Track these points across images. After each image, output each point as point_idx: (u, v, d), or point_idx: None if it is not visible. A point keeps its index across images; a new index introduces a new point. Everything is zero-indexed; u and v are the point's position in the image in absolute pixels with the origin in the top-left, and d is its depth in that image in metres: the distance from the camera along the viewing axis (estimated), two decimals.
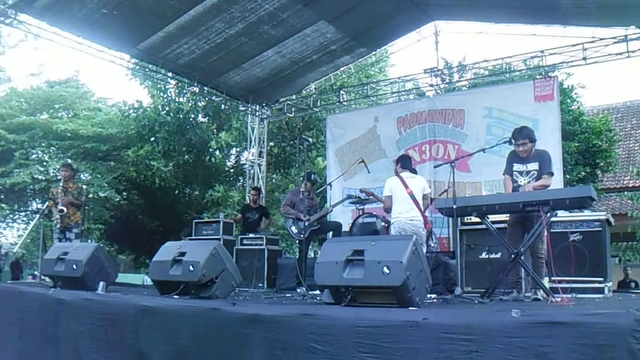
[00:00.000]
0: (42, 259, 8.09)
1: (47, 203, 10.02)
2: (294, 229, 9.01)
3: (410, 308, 4.42)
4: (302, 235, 8.84)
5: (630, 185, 19.57)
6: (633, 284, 15.57)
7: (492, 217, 6.58)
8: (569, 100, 16.15)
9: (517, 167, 6.42)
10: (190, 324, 4.80)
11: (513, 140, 6.44)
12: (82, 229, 9.56)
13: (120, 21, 10.30)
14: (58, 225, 9.60)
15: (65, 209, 9.45)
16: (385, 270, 4.48)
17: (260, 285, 9.87)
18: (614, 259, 15.92)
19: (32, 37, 10.62)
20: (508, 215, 6.45)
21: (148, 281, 15.54)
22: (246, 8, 10.47)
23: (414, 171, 7.95)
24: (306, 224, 8.71)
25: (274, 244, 10.67)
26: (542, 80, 10.86)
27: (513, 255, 5.81)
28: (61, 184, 9.85)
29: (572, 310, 4.38)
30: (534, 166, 6.30)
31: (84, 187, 10.07)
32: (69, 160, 16.83)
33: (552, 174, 6.32)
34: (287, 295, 7.54)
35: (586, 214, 7.19)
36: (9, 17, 9.73)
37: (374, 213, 9.10)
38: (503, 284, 6.16)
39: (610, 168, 17.79)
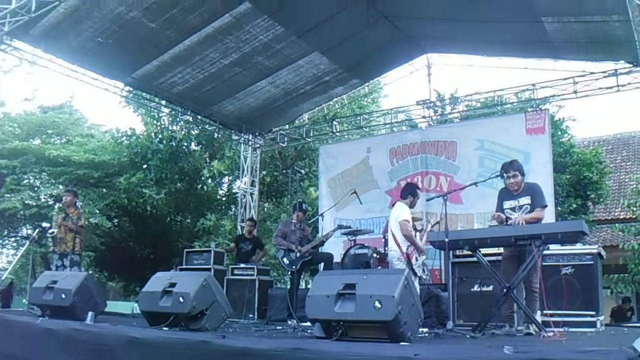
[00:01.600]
0: (31, 287, 8.01)
1: (37, 230, 9.98)
2: (285, 260, 8.97)
3: (402, 343, 4.39)
4: (293, 267, 8.80)
5: (622, 217, 19.59)
6: (629, 313, 15.57)
7: (487, 250, 6.59)
8: (559, 133, 16.27)
9: (508, 203, 6.40)
10: (179, 357, 4.74)
11: (504, 174, 6.44)
12: (73, 257, 9.45)
13: (115, 50, 10.33)
14: (56, 250, 9.59)
15: (55, 231, 9.43)
16: (377, 304, 4.46)
17: (251, 316, 9.79)
18: (606, 290, 15.90)
19: (27, 62, 10.59)
20: (503, 248, 6.44)
21: (137, 309, 15.42)
22: (240, 39, 10.55)
23: (404, 197, 7.85)
24: (297, 255, 8.68)
25: (265, 275, 10.60)
26: (533, 113, 10.95)
27: (505, 289, 5.80)
28: (56, 207, 9.83)
29: (564, 346, 4.36)
30: (525, 200, 6.29)
31: (82, 211, 9.96)
32: (61, 187, 16.83)
33: (545, 206, 6.32)
34: (278, 327, 7.49)
35: (578, 248, 7.22)
36: (4, 43, 9.74)
37: (366, 244, 9.05)
38: (496, 317, 6.14)
39: (602, 200, 17.87)
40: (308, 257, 8.88)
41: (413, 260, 7.33)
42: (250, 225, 11.64)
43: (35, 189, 18.67)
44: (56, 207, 10.21)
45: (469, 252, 6.57)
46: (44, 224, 9.94)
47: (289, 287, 9.54)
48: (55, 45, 10.17)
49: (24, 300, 9.96)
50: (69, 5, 9.07)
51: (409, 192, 7.77)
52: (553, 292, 6.52)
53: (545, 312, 6.09)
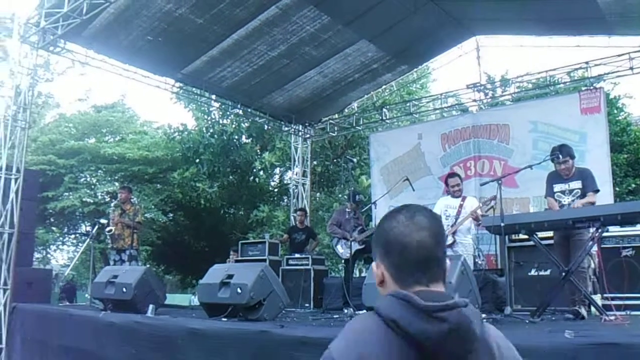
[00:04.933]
0: (93, 282, 8.23)
1: (96, 226, 10.23)
2: (339, 248, 9.05)
3: None
4: (347, 255, 8.84)
5: None
6: None
7: (543, 234, 6.48)
8: (615, 111, 15.87)
9: (558, 187, 6.28)
10: (239, 347, 4.81)
11: (555, 158, 6.31)
12: (131, 252, 9.66)
13: (165, 47, 10.51)
14: (113, 246, 9.83)
15: (113, 229, 9.64)
16: None
17: (307, 305, 9.85)
18: None
19: (79, 63, 10.84)
20: (553, 233, 6.33)
21: (195, 301, 15.67)
22: (287, 30, 10.59)
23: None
24: (352, 243, 8.72)
25: (319, 264, 10.64)
26: (587, 92, 10.67)
27: (564, 273, 5.70)
28: (113, 205, 10.05)
29: (627, 330, 4.27)
30: (576, 184, 6.16)
31: (138, 207, 10.16)
32: (117, 184, 17.18)
33: (597, 191, 6.18)
34: (335, 316, 7.52)
35: (638, 229, 7.03)
36: (57, 46, 9.99)
37: None
38: (554, 301, 6.04)
39: None
40: (362, 245, 8.91)
41: None
42: (301, 215, 11.68)
43: (92, 186, 19.15)
44: (112, 204, 10.44)
45: (525, 237, 6.48)
46: (102, 221, 10.19)
47: (343, 275, 9.54)
48: (106, 46, 10.38)
49: (86, 295, 10.23)
50: (118, 6, 9.24)
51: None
52: (613, 275, 6.40)
53: (606, 295, 5.97)
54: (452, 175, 8.21)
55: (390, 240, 1.61)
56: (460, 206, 7.69)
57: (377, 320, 1.48)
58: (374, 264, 1.66)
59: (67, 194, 18.21)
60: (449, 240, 7.39)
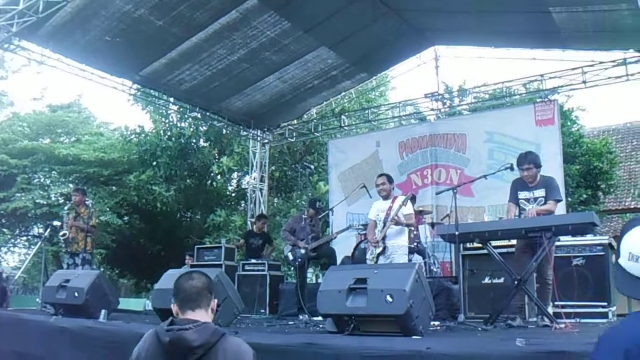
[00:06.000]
0: (44, 286, 8.06)
1: (48, 229, 10.04)
2: (290, 256, 9.08)
3: (414, 337, 4.40)
4: (297, 262, 8.88)
5: (632, 206, 19.54)
6: None
7: (498, 242, 6.58)
8: (569, 123, 16.19)
9: (523, 194, 6.38)
10: None
11: (517, 166, 6.43)
12: (85, 255, 9.48)
13: (123, 48, 10.36)
14: (67, 250, 9.63)
15: (67, 233, 9.44)
16: (388, 298, 4.47)
17: (262, 311, 9.81)
18: None
19: (35, 62, 10.65)
20: (517, 240, 6.43)
21: (150, 306, 15.50)
22: (247, 35, 10.56)
23: None
24: (303, 251, 8.75)
25: (276, 270, 10.62)
26: (542, 104, 10.90)
27: (516, 282, 5.79)
28: (66, 208, 9.87)
29: (576, 338, 4.36)
30: (541, 193, 6.27)
31: (93, 210, 9.98)
32: (71, 185, 16.89)
33: (559, 200, 6.31)
34: (290, 322, 7.51)
35: (589, 239, 7.21)
36: (12, 44, 9.79)
37: None
38: (507, 309, 6.14)
39: (612, 190, 17.78)
40: (313, 254, 8.91)
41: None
42: (262, 222, 11.54)
43: (46, 187, 18.79)
44: (66, 207, 10.24)
45: (479, 245, 6.56)
46: (55, 223, 9.98)
47: (296, 282, 9.53)
48: (63, 45, 10.20)
49: (37, 299, 10.00)
50: (76, 5, 9.08)
51: None
52: (564, 284, 6.52)
53: (556, 303, 6.08)
54: (379, 175, 7.72)
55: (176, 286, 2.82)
56: (390, 208, 7.11)
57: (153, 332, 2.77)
58: None
59: (19, 194, 17.81)
60: (379, 247, 7.00)
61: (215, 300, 2.91)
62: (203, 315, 2.73)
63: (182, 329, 2.60)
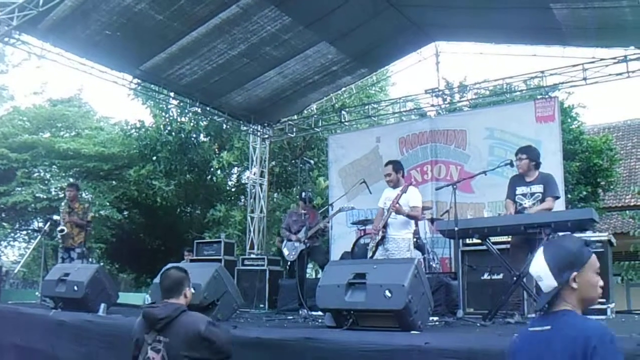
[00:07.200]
0: (44, 280, 8.08)
1: (48, 223, 10.05)
2: (285, 251, 9.08)
3: (412, 332, 4.41)
4: (291, 256, 8.89)
5: (632, 204, 19.52)
6: None
7: (497, 238, 6.58)
8: (569, 120, 16.15)
9: (520, 189, 6.40)
10: None
11: (514, 156, 6.48)
12: (84, 249, 9.52)
13: (123, 42, 10.35)
14: (62, 245, 9.64)
15: (65, 229, 9.44)
16: (387, 293, 4.48)
17: (262, 306, 9.84)
18: (616, 277, 15.86)
19: (35, 56, 10.64)
20: (512, 236, 6.43)
21: (149, 300, 15.51)
22: (248, 29, 10.54)
23: None
24: (297, 244, 8.74)
25: (275, 265, 10.65)
26: (542, 101, 10.88)
27: (515, 277, 5.80)
28: (63, 204, 9.88)
29: None
30: (538, 188, 6.28)
31: (87, 205, 10.00)
32: (71, 180, 16.89)
33: (557, 197, 6.31)
34: (289, 317, 7.53)
35: (588, 235, 7.18)
36: (13, 37, 9.78)
37: None
38: (506, 305, 6.14)
39: (612, 187, 17.73)
40: (306, 245, 8.61)
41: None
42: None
43: (46, 182, 18.73)
44: (63, 202, 10.25)
45: (479, 241, 6.56)
46: (55, 217, 10.00)
47: (295, 277, 9.51)
48: (63, 39, 10.19)
49: (36, 293, 10.02)
50: None
51: None
52: None
53: None
54: (385, 164, 7.56)
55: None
56: (397, 196, 6.86)
57: None
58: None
59: (19, 189, 17.77)
60: (379, 235, 6.90)
61: (189, 289, 4.00)
62: (178, 301, 3.88)
63: (151, 306, 3.96)
